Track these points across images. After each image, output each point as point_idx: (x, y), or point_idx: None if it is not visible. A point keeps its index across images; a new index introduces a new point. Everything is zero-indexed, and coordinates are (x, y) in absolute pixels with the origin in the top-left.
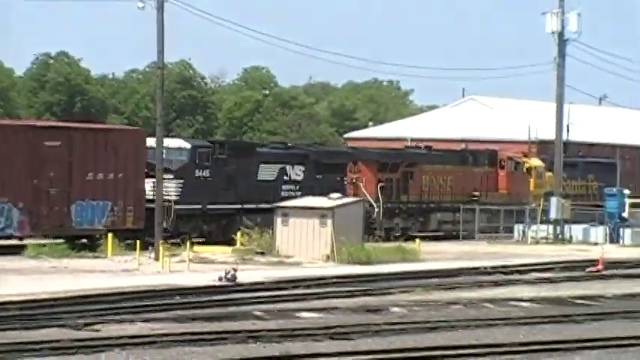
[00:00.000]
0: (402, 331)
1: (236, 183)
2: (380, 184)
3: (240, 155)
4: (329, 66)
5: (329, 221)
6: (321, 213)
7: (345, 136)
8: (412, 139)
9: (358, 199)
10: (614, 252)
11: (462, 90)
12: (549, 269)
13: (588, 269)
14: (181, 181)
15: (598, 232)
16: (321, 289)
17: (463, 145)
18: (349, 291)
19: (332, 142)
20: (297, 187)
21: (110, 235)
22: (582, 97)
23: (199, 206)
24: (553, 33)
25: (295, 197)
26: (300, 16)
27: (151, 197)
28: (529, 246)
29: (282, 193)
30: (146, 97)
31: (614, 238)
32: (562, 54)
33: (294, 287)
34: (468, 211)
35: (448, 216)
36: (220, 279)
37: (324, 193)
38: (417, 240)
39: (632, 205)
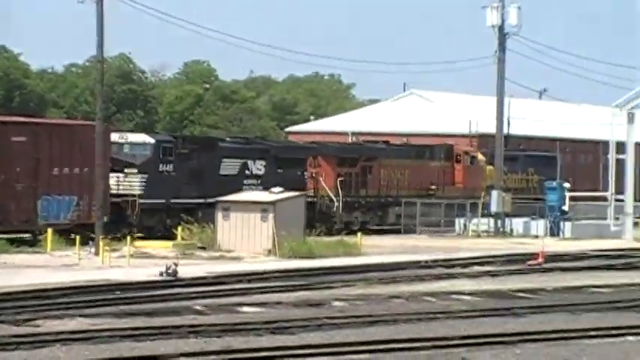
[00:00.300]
0: (344, 325)
1: (199, 177)
2: (339, 179)
3: (203, 150)
4: (270, 60)
5: (270, 215)
6: (262, 207)
7: (287, 130)
8: (353, 133)
9: (299, 193)
10: (554, 245)
11: (403, 84)
12: (490, 262)
13: (529, 262)
14: (145, 175)
15: (539, 226)
16: (263, 283)
17: (404, 139)
18: (291, 285)
19: (273, 136)
20: (259, 182)
21: (50, 230)
22: (523, 91)
23: (163, 200)
24: (493, 27)
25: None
26: (241, 9)
27: (115, 192)
28: (470, 239)
29: (244, 188)
30: (86, 91)
31: (554, 232)
32: (502, 48)
33: (236, 282)
34: (424, 205)
35: (406, 210)
36: (161, 274)
37: (285, 188)
38: (359, 234)
39: (573, 198)
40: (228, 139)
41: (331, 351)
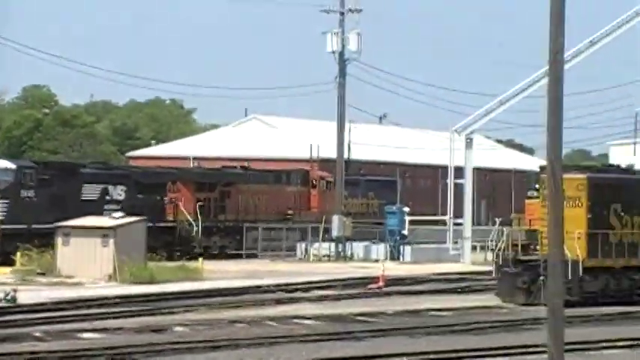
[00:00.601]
0: (186, 350)
1: (60, 203)
2: (198, 203)
3: (64, 175)
4: (110, 84)
5: (111, 241)
6: (102, 232)
7: (127, 154)
8: (195, 158)
9: (140, 218)
10: (394, 269)
11: (244, 109)
12: (331, 287)
13: (369, 286)
14: (7, 201)
15: (379, 250)
16: (104, 309)
17: (246, 164)
18: (132, 311)
19: (114, 162)
20: (119, 207)
21: None
22: (363, 116)
23: (25, 226)
24: (334, 52)
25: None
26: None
27: None
28: (311, 264)
29: (105, 213)
30: None
31: (394, 255)
32: (343, 73)
33: (76, 307)
34: (281, 230)
35: (264, 234)
36: (0, 300)
37: (145, 213)
38: (200, 259)
39: (412, 223)
40: (89, 164)
41: None
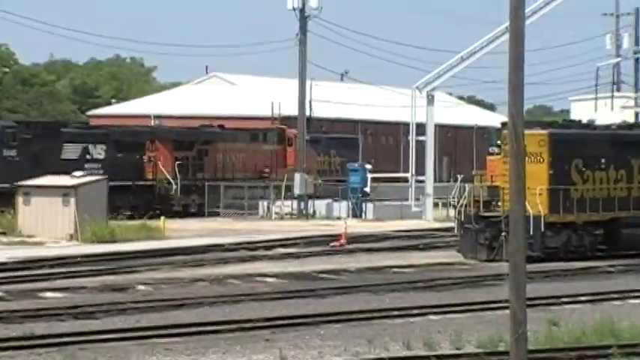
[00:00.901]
0: (148, 309)
1: (41, 162)
2: (177, 162)
3: (45, 135)
4: (70, 43)
5: (72, 200)
6: (63, 192)
7: (88, 113)
8: (155, 116)
9: (101, 177)
10: (357, 226)
11: (205, 67)
12: (294, 245)
13: (332, 244)
14: None
15: (341, 207)
16: (66, 268)
17: (207, 122)
18: (94, 270)
19: (74, 120)
20: (100, 166)
21: None
22: (325, 74)
23: (7, 185)
24: (294, 9)
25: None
26: None
27: None
28: (274, 222)
29: (86, 172)
30: None
31: (357, 213)
32: (304, 30)
33: (38, 267)
34: (257, 188)
35: (240, 192)
36: None
37: (124, 172)
38: (162, 217)
39: (375, 180)
40: (70, 124)
41: (135, 335)
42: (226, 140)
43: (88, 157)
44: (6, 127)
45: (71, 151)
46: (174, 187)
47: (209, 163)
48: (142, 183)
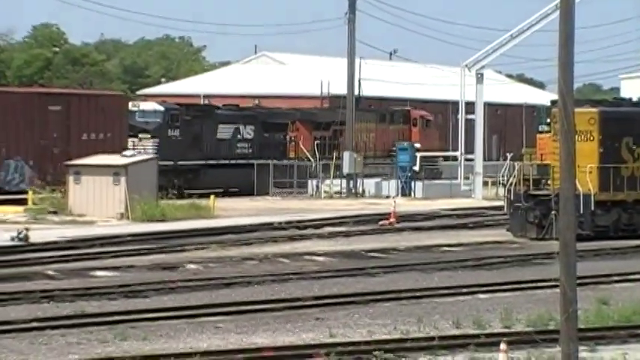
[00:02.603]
0: (198, 287)
1: (200, 141)
2: (316, 142)
3: (203, 117)
4: (120, 22)
5: (122, 179)
6: (114, 171)
7: (138, 93)
8: (205, 96)
9: (151, 156)
10: (406, 205)
11: (254, 47)
12: (343, 223)
13: (381, 222)
14: (157, 140)
15: (390, 186)
16: (116, 247)
17: (256, 102)
18: (144, 249)
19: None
20: (249, 145)
21: None
22: (374, 52)
23: (172, 162)
24: None
25: (248, 154)
26: None
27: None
28: (323, 201)
29: (237, 150)
30: None
31: (406, 192)
32: (353, 9)
33: (89, 246)
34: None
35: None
36: (12, 239)
37: (270, 151)
38: (212, 196)
39: (424, 159)
40: (223, 106)
41: (185, 314)
42: (358, 120)
43: (239, 136)
44: (170, 110)
45: (225, 131)
46: (313, 164)
47: (344, 142)
48: (285, 162)
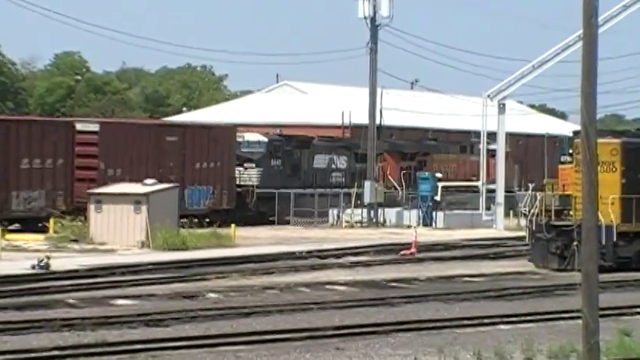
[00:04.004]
0: (218, 316)
1: (299, 170)
2: (402, 172)
3: (302, 147)
4: (142, 51)
5: (143, 207)
6: (135, 199)
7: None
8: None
9: (173, 185)
10: (427, 235)
11: (276, 75)
12: (364, 253)
13: (402, 252)
14: (260, 169)
15: (411, 216)
16: (137, 276)
17: (278, 131)
18: (165, 277)
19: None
20: (342, 174)
21: None
22: (395, 82)
23: (274, 190)
24: (365, 18)
25: (341, 183)
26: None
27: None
28: (344, 230)
29: (332, 180)
30: None
31: (427, 221)
32: (374, 39)
33: (109, 274)
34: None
35: (455, 198)
36: (33, 267)
37: (361, 179)
38: (233, 225)
39: (445, 189)
40: (318, 138)
41: (206, 343)
42: (441, 152)
43: (333, 166)
44: (273, 141)
45: (321, 161)
46: (400, 192)
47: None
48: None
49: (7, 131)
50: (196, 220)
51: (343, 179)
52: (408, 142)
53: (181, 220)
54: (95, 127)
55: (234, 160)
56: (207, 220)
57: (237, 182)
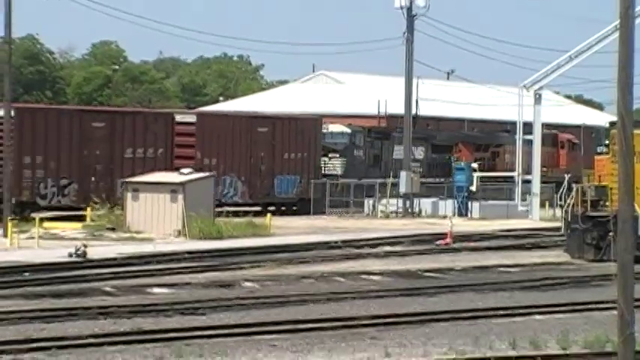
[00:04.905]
0: (254, 305)
1: (379, 161)
2: (477, 162)
3: (382, 138)
4: (179, 41)
5: (180, 196)
6: (171, 188)
7: (195, 111)
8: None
9: (209, 174)
10: (462, 225)
11: (312, 65)
12: (399, 243)
13: (437, 242)
14: (344, 159)
15: (447, 206)
16: (173, 264)
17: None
18: (200, 266)
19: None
20: (420, 165)
21: None
22: (431, 72)
23: (356, 180)
24: (402, 8)
25: (418, 173)
26: None
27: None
28: (379, 220)
29: (412, 169)
30: None
31: (462, 212)
32: (411, 29)
33: (145, 263)
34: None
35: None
36: (70, 255)
37: (437, 170)
38: (268, 215)
39: (481, 179)
40: (397, 129)
41: (241, 331)
42: (512, 143)
43: (411, 157)
44: (356, 132)
45: (399, 152)
46: (474, 184)
47: (500, 162)
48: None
49: (112, 122)
50: (284, 207)
51: (420, 169)
52: (482, 133)
53: (270, 208)
54: (192, 119)
55: (319, 151)
56: (295, 207)
57: (322, 172)
